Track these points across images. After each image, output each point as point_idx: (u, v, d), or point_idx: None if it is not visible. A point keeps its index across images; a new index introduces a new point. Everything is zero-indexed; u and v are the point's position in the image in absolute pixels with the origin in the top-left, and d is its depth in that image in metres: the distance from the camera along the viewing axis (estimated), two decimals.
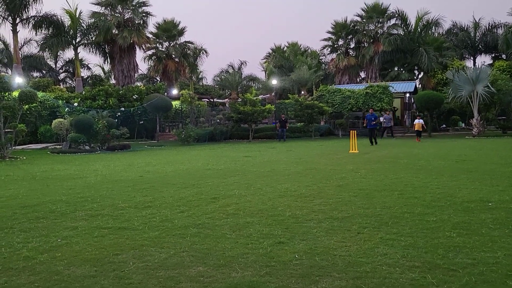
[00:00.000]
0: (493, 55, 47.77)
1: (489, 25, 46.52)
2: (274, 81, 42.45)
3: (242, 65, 57.06)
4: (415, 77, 44.90)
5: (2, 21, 32.09)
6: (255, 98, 32.11)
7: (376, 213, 6.34)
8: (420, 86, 44.12)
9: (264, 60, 61.37)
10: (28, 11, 32.47)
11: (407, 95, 39.28)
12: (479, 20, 46.71)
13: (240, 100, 33.30)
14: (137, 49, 43.03)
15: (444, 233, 5.25)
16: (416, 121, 27.91)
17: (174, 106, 33.94)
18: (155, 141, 30.61)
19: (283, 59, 53.38)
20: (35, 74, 49.56)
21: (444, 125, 39.66)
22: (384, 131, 31.57)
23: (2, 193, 8.97)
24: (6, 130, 18.58)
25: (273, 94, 48.04)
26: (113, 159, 17.43)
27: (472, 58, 48.42)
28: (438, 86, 39.28)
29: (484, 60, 52.35)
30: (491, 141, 24.06)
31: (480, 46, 47.73)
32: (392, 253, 4.53)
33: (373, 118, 24.31)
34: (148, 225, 5.91)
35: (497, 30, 46.07)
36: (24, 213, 6.86)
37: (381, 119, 33.42)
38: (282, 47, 58.26)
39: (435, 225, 5.60)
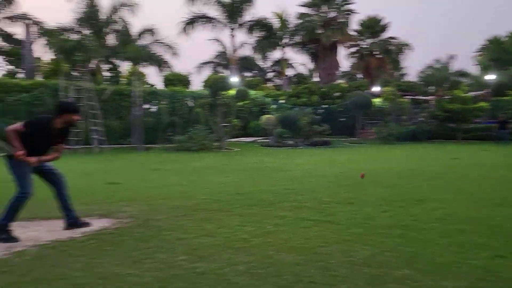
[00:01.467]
0: None
1: None
2: (489, 76, 38.04)
3: (451, 59, 52.63)
4: None
5: (223, 27, 36.33)
6: (465, 95, 29.39)
7: None
8: None
9: (478, 53, 55.54)
10: (243, 16, 36.04)
11: None
12: None
13: (448, 97, 30.89)
14: (340, 47, 43.70)
15: None
16: None
17: (374, 104, 33.43)
18: (355, 138, 30.63)
19: (502, 51, 47.38)
20: (247, 74, 54.53)
21: None
22: None
23: (221, 180, 10.19)
24: (223, 124, 20.99)
25: (487, 90, 43.16)
26: (314, 154, 18.08)
27: None
28: None
29: None
30: None
31: None
32: None
33: None
34: (351, 221, 5.94)
35: None
36: (239, 199, 7.64)
37: None
38: (500, 38, 51.85)
39: None
